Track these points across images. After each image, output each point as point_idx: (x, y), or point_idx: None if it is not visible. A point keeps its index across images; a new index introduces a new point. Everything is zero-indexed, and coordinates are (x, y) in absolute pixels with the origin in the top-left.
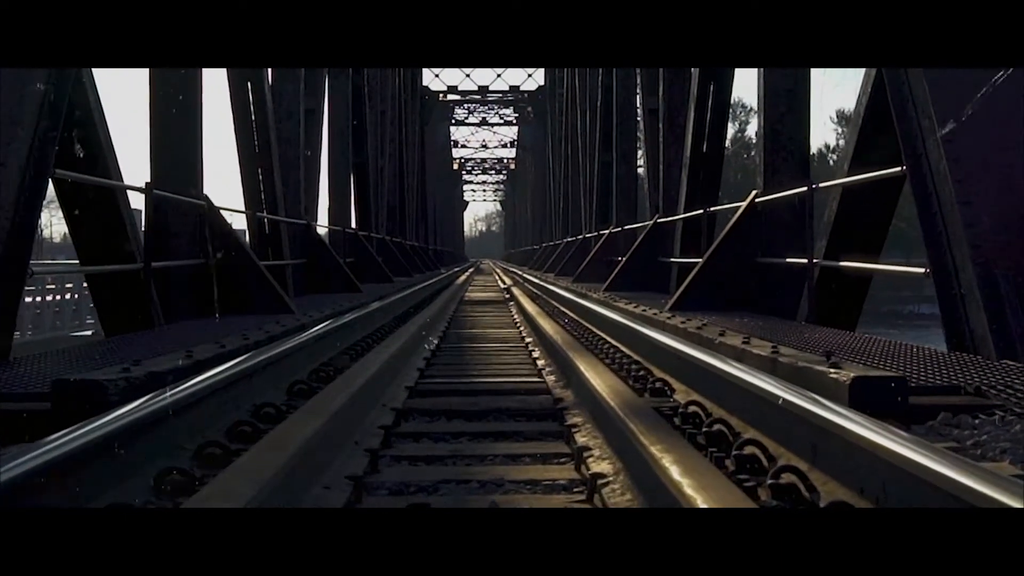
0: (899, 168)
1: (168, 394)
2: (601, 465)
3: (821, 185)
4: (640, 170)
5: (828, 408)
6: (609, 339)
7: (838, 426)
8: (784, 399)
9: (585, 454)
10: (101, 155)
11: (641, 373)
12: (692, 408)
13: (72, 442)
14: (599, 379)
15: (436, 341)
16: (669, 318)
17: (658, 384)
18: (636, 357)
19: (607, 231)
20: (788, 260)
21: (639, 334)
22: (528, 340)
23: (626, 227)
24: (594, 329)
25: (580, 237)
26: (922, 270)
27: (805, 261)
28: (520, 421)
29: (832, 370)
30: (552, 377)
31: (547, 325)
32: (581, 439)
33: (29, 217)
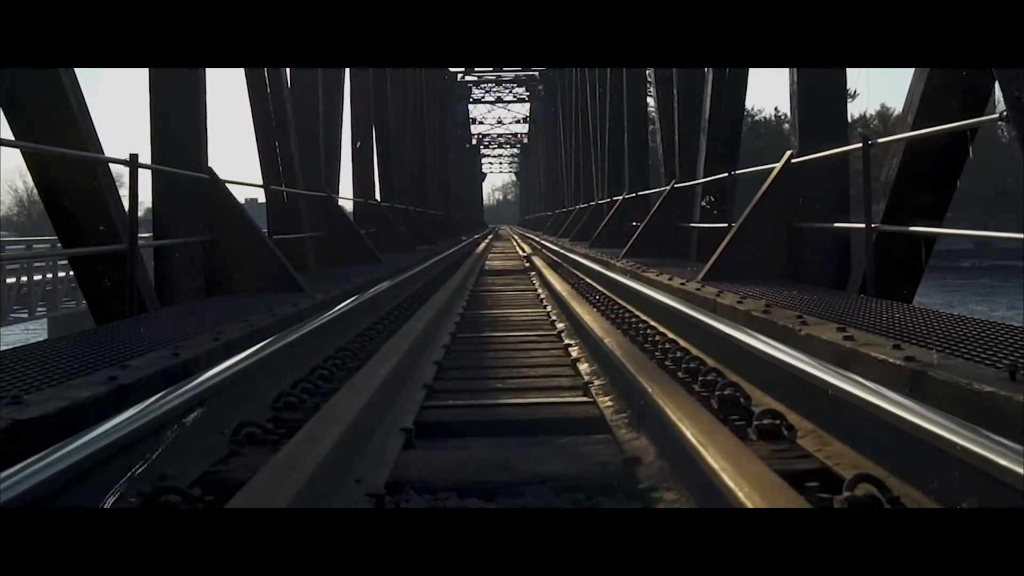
0: (997, 115)
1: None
2: None
3: (880, 141)
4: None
5: None
6: (656, 325)
7: None
8: None
9: None
10: (74, 125)
11: (727, 392)
12: (864, 489)
13: None
14: (676, 407)
15: (451, 334)
16: (718, 295)
17: (767, 421)
18: (710, 361)
19: (620, 197)
20: (837, 225)
21: (697, 322)
22: (560, 327)
23: (640, 192)
24: (633, 310)
25: (593, 204)
26: None
27: (861, 226)
28: (577, 498)
29: None
30: (607, 399)
31: (579, 307)
32: None
33: None
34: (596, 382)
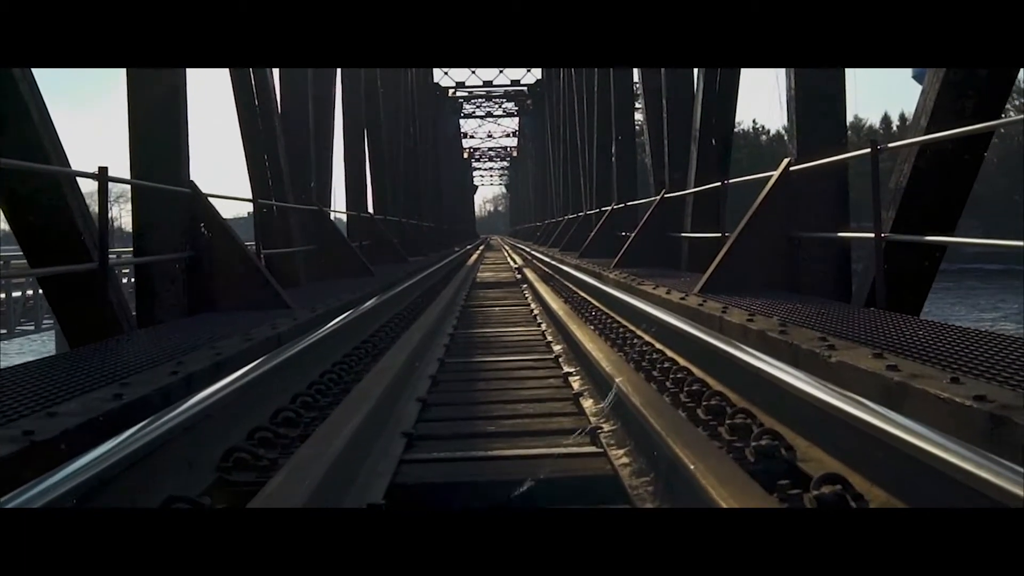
0: None
1: None
2: None
3: (891, 146)
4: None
5: None
6: (664, 349)
7: None
8: None
9: None
10: (37, 139)
11: (764, 442)
12: None
13: None
14: (707, 468)
15: (439, 359)
16: (724, 311)
17: (827, 490)
18: (733, 397)
19: (609, 207)
20: (844, 234)
21: (711, 347)
22: (557, 350)
23: (629, 203)
24: (634, 329)
25: (582, 214)
26: None
27: (870, 235)
28: None
29: None
30: (620, 453)
31: (576, 327)
32: None
33: None
34: (605, 427)
